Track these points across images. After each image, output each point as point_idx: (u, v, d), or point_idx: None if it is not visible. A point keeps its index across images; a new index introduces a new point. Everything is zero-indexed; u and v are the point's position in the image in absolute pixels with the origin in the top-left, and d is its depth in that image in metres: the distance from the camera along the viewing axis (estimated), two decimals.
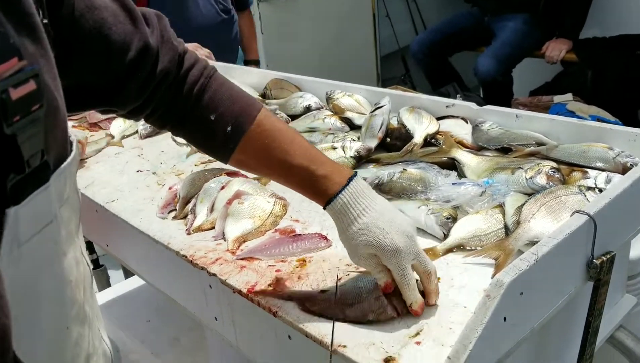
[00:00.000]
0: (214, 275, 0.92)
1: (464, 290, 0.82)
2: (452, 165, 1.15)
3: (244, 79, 1.89)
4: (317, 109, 1.57)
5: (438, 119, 1.33)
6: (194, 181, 1.20)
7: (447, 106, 1.37)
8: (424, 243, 0.94)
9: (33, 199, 0.52)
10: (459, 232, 0.92)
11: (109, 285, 2.05)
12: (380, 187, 1.08)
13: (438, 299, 0.79)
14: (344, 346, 0.73)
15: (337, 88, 1.58)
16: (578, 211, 0.77)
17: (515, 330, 0.69)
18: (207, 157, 1.35)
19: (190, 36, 2.18)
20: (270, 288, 0.86)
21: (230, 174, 1.21)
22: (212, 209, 1.10)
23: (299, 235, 1.00)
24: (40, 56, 0.54)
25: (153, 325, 1.57)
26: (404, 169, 1.09)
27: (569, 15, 3.08)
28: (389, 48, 4.40)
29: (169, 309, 1.54)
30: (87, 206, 1.28)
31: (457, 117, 1.33)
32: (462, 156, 1.14)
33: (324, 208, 0.79)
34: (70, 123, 0.69)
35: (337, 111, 1.51)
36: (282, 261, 0.93)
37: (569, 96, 2.60)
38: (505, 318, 0.66)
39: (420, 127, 1.28)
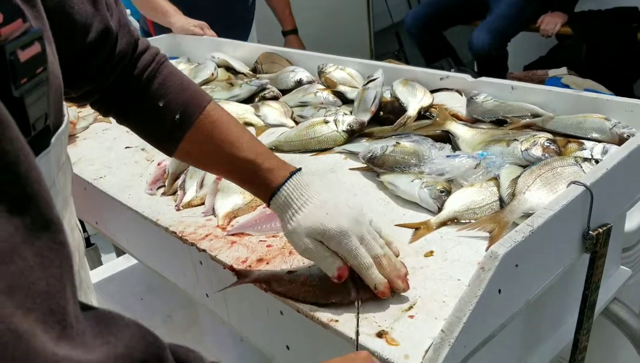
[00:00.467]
0: (204, 251, 0.90)
1: (458, 263, 0.80)
2: (446, 138, 1.13)
3: (235, 53, 1.85)
4: (309, 83, 1.55)
5: (432, 91, 1.31)
6: None
7: (441, 79, 1.34)
8: (418, 216, 0.93)
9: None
10: (453, 205, 0.90)
11: (100, 264, 2.04)
12: (373, 161, 1.06)
13: (405, 284, 0.73)
14: (336, 321, 0.71)
15: (329, 61, 1.55)
16: (574, 182, 0.75)
17: (510, 302, 0.68)
18: None
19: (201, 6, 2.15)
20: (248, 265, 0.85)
21: None
22: (201, 185, 1.08)
23: None
24: (35, 18, 0.53)
25: (145, 303, 1.56)
26: (397, 143, 1.07)
27: None
28: (382, 23, 4.33)
29: (161, 287, 1.53)
30: (76, 183, 1.25)
31: (452, 89, 1.31)
32: (457, 128, 1.12)
33: (268, 205, 0.77)
34: None
35: (330, 85, 1.48)
36: (273, 236, 0.92)
37: (563, 70, 2.58)
38: (500, 291, 0.65)
39: (414, 100, 1.26)
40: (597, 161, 0.91)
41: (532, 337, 0.86)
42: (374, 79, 1.33)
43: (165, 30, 2.13)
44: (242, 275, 0.83)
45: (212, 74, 1.70)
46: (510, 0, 3.14)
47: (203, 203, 1.04)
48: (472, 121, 1.19)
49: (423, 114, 1.25)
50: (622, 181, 0.85)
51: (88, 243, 2.09)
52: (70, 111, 1.60)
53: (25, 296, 0.28)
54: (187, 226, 0.97)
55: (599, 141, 1.00)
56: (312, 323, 0.74)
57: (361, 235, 0.73)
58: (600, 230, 0.78)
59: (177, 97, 0.78)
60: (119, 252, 1.98)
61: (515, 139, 1.00)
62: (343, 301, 0.73)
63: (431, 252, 0.83)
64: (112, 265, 1.79)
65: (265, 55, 1.75)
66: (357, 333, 0.69)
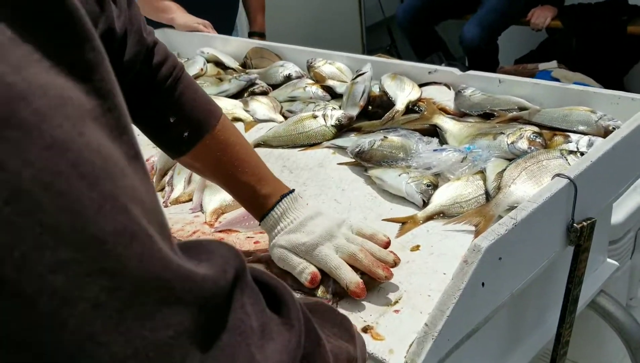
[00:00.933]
0: None
1: (444, 257, 0.81)
2: (434, 132, 1.13)
3: (224, 48, 1.84)
4: (298, 78, 1.54)
5: (420, 85, 1.31)
6: None
7: (429, 73, 1.34)
8: (405, 211, 0.93)
9: None
10: (439, 199, 0.91)
11: None
12: (361, 155, 1.06)
13: (385, 273, 0.73)
14: None
15: (318, 56, 1.55)
16: (558, 175, 0.75)
17: (494, 295, 0.68)
18: None
19: None
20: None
21: None
22: (189, 181, 1.08)
23: None
24: None
25: None
26: (385, 137, 1.07)
27: None
28: (374, 18, 4.32)
29: None
30: None
31: (440, 83, 1.31)
32: (444, 122, 1.12)
33: (260, 224, 0.81)
34: None
35: (319, 80, 1.48)
36: (260, 232, 0.92)
37: (553, 64, 2.59)
38: (483, 284, 0.65)
39: (402, 94, 1.26)
40: (582, 154, 0.91)
41: (517, 330, 0.87)
42: (363, 73, 1.33)
43: (155, 25, 2.12)
44: (246, 254, 0.84)
45: (202, 69, 1.69)
46: None
47: (191, 199, 1.03)
48: (460, 115, 1.19)
49: (411, 108, 1.25)
50: (607, 173, 0.85)
51: None
52: None
53: (142, 209, 0.29)
54: (174, 223, 0.97)
55: (585, 134, 1.00)
56: None
57: (334, 243, 0.76)
58: (585, 224, 0.78)
59: (188, 115, 0.78)
60: None
61: (502, 133, 1.00)
62: (324, 297, 0.74)
63: (417, 246, 0.83)
64: None
65: (255, 50, 1.74)
66: None
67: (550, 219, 0.75)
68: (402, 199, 0.96)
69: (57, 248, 0.25)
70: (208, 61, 1.76)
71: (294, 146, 1.22)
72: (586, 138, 0.98)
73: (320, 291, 0.74)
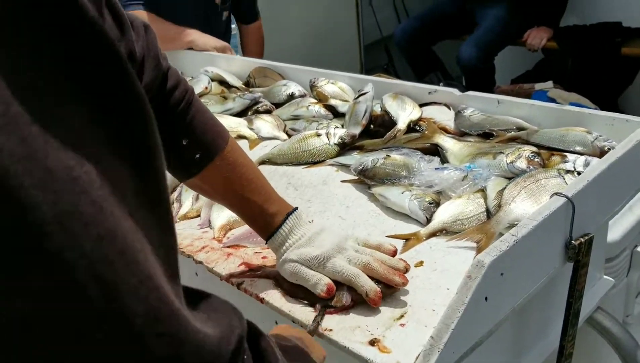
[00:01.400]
0: (201, 262, 0.92)
1: (447, 272, 0.83)
2: (435, 151, 1.16)
3: (228, 67, 1.88)
4: (301, 96, 1.58)
5: (421, 105, 1.34)
6: None
7: (429, 93, 1.38)
8: (408, 228, 0.96)
9: None
10: (441, 216, 0.94)
11: None
12: (365, 173, 1.09)
13: (401, 279, 0.77)
14: (330, 330, 0.74)
15: (320, 76, 1.58)
16: (556, 193, 0.78)
17: (496, 309, 0.71)
18: None
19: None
20: (246, 270, 0.88)
21: None
22: (197, 198, 1.10)
23: None
24: None
25: None
26: (388, 155, 1.11)
27: (549, 3, 3.10)
28: (372, 37, 4.39)
29: None
30: None
31: (440, 103, 1.34)
32: (445, 141, 1.15)
33: (266, 242, 0.84)
34: None
35: (321, 99, 1.51)
36: (267, 248, 0.94)
37: (549, 84, 2.63)
38: (486, 298, 0.68)
39: (404, 114, 1.30)
40: (579, 173, 0.94)
41: (520, 344, 0.89)
42: (365, 93, 1.37)
43: None
44: (254, 269, 0.87)
45: (206, 88, 1.72)
46: (496, 16, 3.21)
47: (199, 215, 1.06)
48: (460, 134, 1.22)
49: (412, 127, 1.28)
50: (603, 192, 0.88)
51: None
52: None
53: (156, 253, 0.32)
54: (184, 238, 0.99)
55: (581, 154, 1.04)
56: (306, 333, 0.76)
57: (346, 255, 0.79)
58: (582, 240, 0.81)
59: (200, 137, 0.80)
60: None
61: (501, 152, 1.04)
62: (337, 305, 0.76)
63: (421, 262, 0.86)
64: None
65: (258, 69, 1.78)
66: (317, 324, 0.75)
67: (550, 236, 0.77)
68: (405, 216, 0.99)
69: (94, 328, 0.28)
70: (212, 80, 1.80)
71: (298, 164, 1.25)
72: (583, 157, 1.01)
73: (334, 301, 0.76)
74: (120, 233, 0.29)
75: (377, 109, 1.37)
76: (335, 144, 1.25)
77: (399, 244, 0.91)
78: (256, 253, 0.93)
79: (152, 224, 0.32)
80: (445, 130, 1.23)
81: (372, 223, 0.99)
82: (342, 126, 1.35)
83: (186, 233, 1.01)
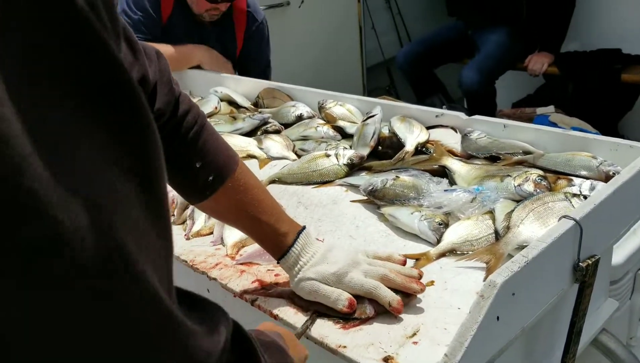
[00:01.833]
0: (215, 279, 0.94)
1: (457, 292, 0.85)
2: (442, 173, 1.18)
3: (237, 87, 1.92)
4: (309, 118, 1.61)
5: (428, 128, 1.37)
6: None
7: (436, 116, 1.41)
8: (417, 247, 0.98)
9: None
10: (451, 237, 0.96)
11: None
12: (374, 194, 1.12)
13: (419, 286, 0.81)
14: (344, 347, 0.76)
15: (328, 98, 1.62)
16: (565, 216, 0.81)
17: (507, 329, 0.72)
18: None
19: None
20: (259, 288, 0.90)
21: None
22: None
23: None
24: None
25: None
26: (397, 177, 1.13)
27: (550, 29, 3.16)
28: (374, 59, 4.46)
29: None
30: None
31: (447, 126, 1.37)
32: (453, 164, 1.18)
33: (278, 262, 0.85)
34: None
35: (329, 120, 1.54)
36: None
37: (551, 108, 2.67)
38: (498, 318, 0.69)
39: (412, 136, 1.32)
40: (585, 197, 0.97)
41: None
42: (373, 116, 1.40)
43: None
44: (267, 288, 0.89)
45: (216, 108, 1.75)
46: (497, 41, 3.26)
47: (211, 233, 1.08)
48: (467, 157, 1.25)
49: (420, 149, 1.31)
50: (609, 216, 0.90)
51: None
52: None
53: (151, 259, 0.34)
54: (197, 255, 1.01)
55: (587, 178, 1.06)
56: (319, 349, 0.78)
57: (361, 269, 0.82)
58: (590, 261, 0.83)
59: (213, 160, 0.82)
60: None
61: (509, 175, 1.06)
62: (361, 317, 0.79)
63: (432, 282, 0.87)
64: None
65: (267, 90, 1.81)
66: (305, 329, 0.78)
67: (558, 258, 0.80)
68: (415, 237, 1.01)
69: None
70: (221, 100, 1.83)
71: (308, 183, 1.27)
72: (588, 181, 1.04)
73: (358, 313, 0.79)
74: (127, 250, 0.31)
75: (385, 131, 1.39)
76: (344, 164, 1.28)
77: (409, 264, 0.93)
78: (269, 270, 0.95)
79: (155, 235, 0.35)
80: (452, 153, 1.26)
81: (382, 242, 1.01)
82: (351, 147, 1.38)
83: (199, 250, 1.03)
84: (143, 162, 0.35)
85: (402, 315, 0.80)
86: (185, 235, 1.08)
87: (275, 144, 1.47)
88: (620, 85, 2.89)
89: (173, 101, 0.80)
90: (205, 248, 1.03)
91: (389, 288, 0.80)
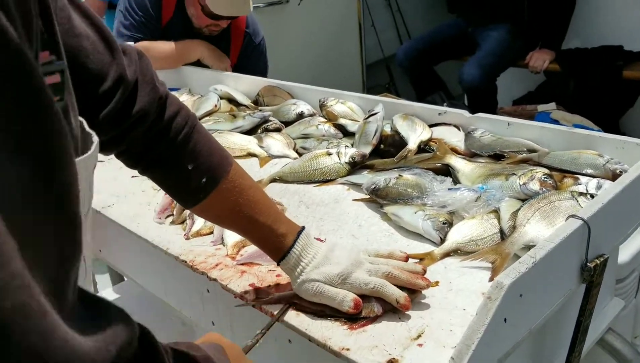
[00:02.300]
0: (215, 280, 0.92)
1: (462, 293, 0.84)
2: (446, 171, 1.17)
3: (237, 85, 1.90)
4: (310, 115, 1.59)
5: (431, 126, 1.36)
6: None
7: (439, 114, 1.39)
8: (421, 247, 0.96)
9: None
10: (455, 236, 0.94)
11: (95, 291, 2.03)
12: (377, 192, 1.10)
13: (424, 282, 0.81)
14: (348, 349, 0.74)
15: (329, 95, 1.60)
16: (573, 216, 0.79)
17: (515, 330, 0.71)
18: None
19: None
20: (257, 287, 0.89)
21: None
22: None
23: None
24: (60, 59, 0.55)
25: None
26: (400, 175, 1.11)
27: (551, 26, 3.15)
28: (374, 57, 4.44)
29: (159, 316, 1.54)
30: None
31: (450, 124, 1.36)
32: (456, 162, 1.16)
33: (278, 264, 0.83)
34: None
35: (331, 118, 1.52)
36: None
37: (552, 105, 2.66)
38: (505, 319, 0.68)
39: (414, 134, 1.31)
40: (592, 196, 0.95)
41: None
42: (375, 114, 1.38)
43: None
44: (266, 293, 0.87)
45: (215, 106, 1.74)
46: (498, 38, 3.25)
47: (211, 232, 1.06)
48: (470, 155, 1.23)
49: (423, 147, 1.29)
50: (617, 215, 0.89)
51: None
52: None
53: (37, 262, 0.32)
54: (197, 255, 0.99)
55: (593, 176, 1.05)
56: (321, 351, 0.76)
57: (365, 268, 0.81)
58: (598, 261, 0.82)
59: (206, 161, 0.80)
60: (115, 278, 1.99)
61: (514, 174, 1.05)
62: (370, 315, 0.78)
63: (436, 282, 0.86)
64: (107, 293, 1.79)
65: (267, 88, 1.79)
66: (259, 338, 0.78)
67: (566, 258, 0.78)
68: (418, 236, 0.99)
69: None
70: (221, 98, 1.81)
71: (309, 182, 1.26)
72: (595, 180, 1.02)
73: (367, 313, 0.78)
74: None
75: (387, 129, 1.38)
76: (346, 163, 1.26)
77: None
78: (270, 270, 0.93)
79: (43, 231, 0.33)
80: (455, 151, 1.24)
81: (385, 241, 1.00)
82: (352, 145, 1.36)
83: (199, 250, 1.01)
84: (37, 147, 0.33)
85: (406, 316, 0.78)
86: (184, 234, 1.07)
87: (276, 143, 1.45)
88: (622, 82, 2.88)
89: (157, 101, 0.78)
90: (206, 248, 1.02)
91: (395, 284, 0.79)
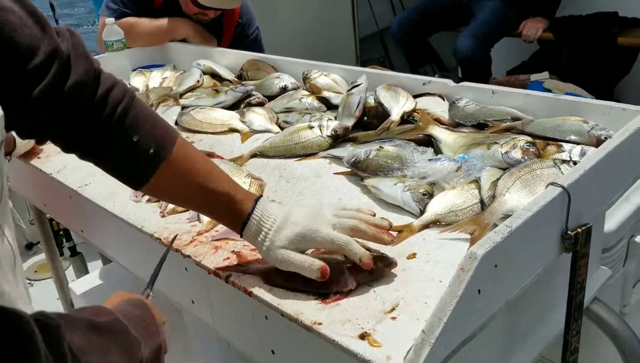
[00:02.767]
0: (189, 256, 0.90)
1: (440, 264, 0.82)
2: (429, 142, 1.14)
3: (220, 59, 1.86)
4: (294, 89, 1.56)
5: (415, 97, 1.33)
6: None
7: (423, 84, 1.36)
8: (401, 219, 0.94)
9: None
10: (435, 208, 0.92)
11: (87, 272, 2.02)
12: (357, 165, 1.08)
13: (390, 237, 0.80)
14: (319, 323, 0.72)
15: (313, 68, 1.56)
16: (552, 183, 0.77)
17: (490, 302, 0.69)
18: None
19: None
20: (234, 264, 0.86)
21: (208, 155, 1.19)
22: None
23: None
24: None
25: None
26: (381, 147, 1.09)
27: None
28: (367, 30, 4.37)
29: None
30: (61, 192, 1.25)
31: (434, 94, 1.32)
32: (439, 132, 1.13)
33: (241, 235, 0.81)
34: None
35: (314, 91, 1.49)
36: None
37: (545, 74, 2.62)
38: (479, 291, 0.66)
39: (397, 105, 1.28)
40: (575, 163, 0.93)
41: (514, 337, 0.87)
42: (358, 85, 1.35)
43: None
44: (242, 259, 0.86)
45: (198, 81, 1.70)
46: (493, 7, 3.19)
47: (187, 209, 1.04)
48: (454, 125, 1.20)
49: (406, 118, 1.26)
50: (600, 182, 0.86)
51: (74, 251, 2.08)
52: None
53: None
54: (172, 233, 0.97)
55: (577, 143, 1.02)
56: (296, 327, 0.75)
57: (330, 222, 0.78)
58: (580, 230, 0.80)
59: (151, 132, 0.78)
60: (105, 260, 1.97)
61: (496, 143, 1.02)
62: (343, 289, 0.76)
63: (414, 254, 0.84)
64: (95, 274, 1.77)
65: (251, 62, 1.76)
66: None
67: (545, 227, 0.76)
68: (398, 208, 0.97)
69: None
70: (204, 73, 1.77)
71: (291, 156, 1.23)
72: (579, 147, 0.99)
73: (341, 287, 0.76)
74: None
75: (371, 101, 1.35)
76: (328, 136, 1.24)
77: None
78: (245, 245, 0.91)
79: None
80: (439, 121, 1.22)
81: None
82: (336, 118, 1.33)
83: (174, 227, 0.99)
84: None
85: (381, 289, 0.76)
86: (160, 212, 1.04)
87: (258, 117, 1.42)
88: (617, 49, 2.83)
89: (92, 72, 0.75)
90: (181, 225, 1.00)
91: (360, 243, 0.77)
